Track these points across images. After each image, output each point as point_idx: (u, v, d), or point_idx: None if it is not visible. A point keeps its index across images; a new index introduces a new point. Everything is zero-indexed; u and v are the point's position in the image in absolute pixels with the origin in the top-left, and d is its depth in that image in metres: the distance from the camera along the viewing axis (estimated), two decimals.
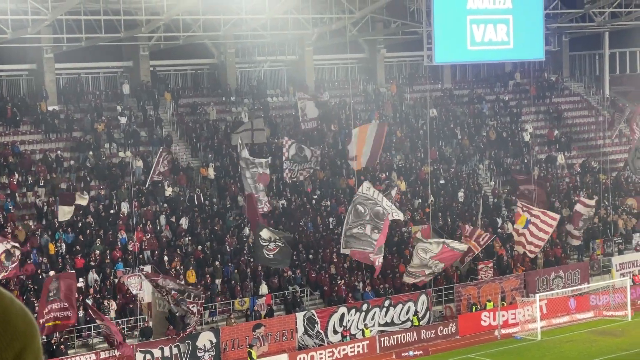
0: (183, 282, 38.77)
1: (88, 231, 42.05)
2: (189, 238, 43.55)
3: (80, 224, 42.29)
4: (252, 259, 42.75)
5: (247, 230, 44.91)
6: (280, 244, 39.43)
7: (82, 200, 40.86)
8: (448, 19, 44.76)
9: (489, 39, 45.83)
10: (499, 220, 50.67)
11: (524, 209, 45.72)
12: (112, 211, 43.81)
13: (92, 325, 37.24)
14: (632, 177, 56.06)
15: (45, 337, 34.50)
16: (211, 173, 48.52)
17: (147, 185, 45.13)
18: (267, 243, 39.40)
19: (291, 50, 57.61)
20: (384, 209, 40.12)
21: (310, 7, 49.53)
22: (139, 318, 38.90)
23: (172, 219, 44.42)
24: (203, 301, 37.94)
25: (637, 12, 57.07)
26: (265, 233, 39.43)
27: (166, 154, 44.78)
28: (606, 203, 52.39)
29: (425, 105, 57.20)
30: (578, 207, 48.13)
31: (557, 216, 46.54)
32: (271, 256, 39.88)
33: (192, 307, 36.79)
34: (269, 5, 45.72)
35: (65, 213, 40.19)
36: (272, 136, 51.50)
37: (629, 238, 52.00)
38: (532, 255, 46.57)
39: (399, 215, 41.72)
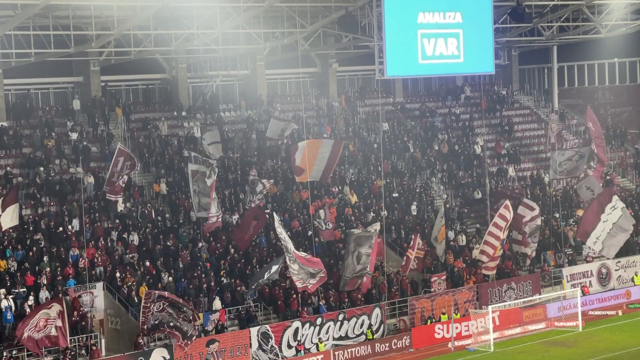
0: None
1: (35, 248, 41.41)
2: (141, 254, 43.18)
3: (29, 241, 41.73)
4: (209, 276, 42.72)
5: (199, 245, 44.72)
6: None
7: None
8: (399, 33, 45.04)
9: (439, 52, 46.22)
10: (452, 233, 50.95)
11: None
12: (61, 228, 43.22)
13: None
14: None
15: None
16: (163, 188, 48.25)
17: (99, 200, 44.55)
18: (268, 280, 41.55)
19: (243, 65, 57.58)
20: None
21: (261, 22, 49.57)
22: (91, 336, 38.42)
23: (124, 235, 44.03)
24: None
25: (584, 27, 57.94)
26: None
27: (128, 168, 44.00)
28: (556, 215, 52.96)
29: (377, 119, 57.49)
30: (520, 210, 48.24)
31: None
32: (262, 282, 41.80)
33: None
34: (220, 20, 45.69)
35: (9, 217, 39.47)
36: (224, 151, 51.31)
37: (579, 249, 52.53)
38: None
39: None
